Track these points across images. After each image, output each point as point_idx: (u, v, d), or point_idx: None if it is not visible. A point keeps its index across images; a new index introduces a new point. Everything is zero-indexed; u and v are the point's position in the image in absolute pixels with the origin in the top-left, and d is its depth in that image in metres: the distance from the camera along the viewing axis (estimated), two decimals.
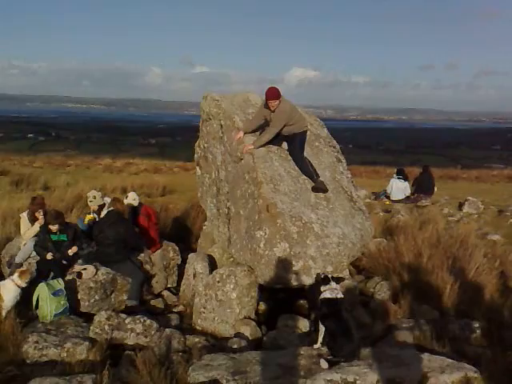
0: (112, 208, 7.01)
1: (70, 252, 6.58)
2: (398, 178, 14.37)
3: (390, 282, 6.96)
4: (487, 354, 4.92)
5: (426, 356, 4.47)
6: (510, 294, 6.78)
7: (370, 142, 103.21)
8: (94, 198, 7.74)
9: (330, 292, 4.92)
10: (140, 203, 7.76)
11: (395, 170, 15.11)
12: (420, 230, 8.80)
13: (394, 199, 14.20)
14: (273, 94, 6.06)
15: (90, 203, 7.81)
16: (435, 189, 14.88)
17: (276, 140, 6.46)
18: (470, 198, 13.24)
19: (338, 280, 5.17)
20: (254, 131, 6.51)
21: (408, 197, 14.31)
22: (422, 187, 14.54)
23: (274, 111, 6.14)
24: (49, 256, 6.49)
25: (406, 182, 14.48)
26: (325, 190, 6.35)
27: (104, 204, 7.75)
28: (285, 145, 6.63)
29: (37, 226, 6.97)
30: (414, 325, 5.56)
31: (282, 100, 6.13)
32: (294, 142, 6.41)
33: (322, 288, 5.04)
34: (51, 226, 6.64)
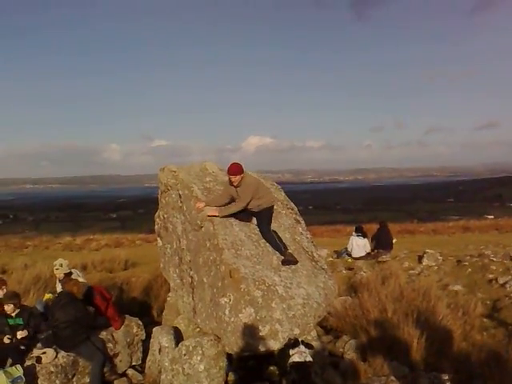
0: (62, 289, 6.83)
1: (19, 335, 6.25)
2: (358, 236, 14.63)
3: (358, 340, 6.95)
4: None
5: None
6: (475, 343, 6.89)
7: (329, 203, 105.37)
8: (61, 265, 7.50)
9: (298, 356, 4.88)
10: (91, 286, 7.53)
11: (354, 228, 15.39)
12: (383, 285, 8.92)
13: (355, 256, 14.37)
14: (234, 169, 6.24)
15: (55, 271, 7.57)
16: (393, 243, 15.19)
17: (245, 216, 6.58)
18: (428, 250, 13.55)
19: (308, 346, 5.14)
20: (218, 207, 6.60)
21: (368, 253, 14.51)
22: (381, 243, 14.81)
23: (238, 186, 6.28)
24: (6, 340, 6.17)
25: (366, 239, 14.74)
26: (295, 262, 6.34)
27: (70, 273, 7.52)
28: (254, 220, 6.71)
29: None
30: (386, 382, 5.52)
31: (245, 175, 6.32)
32: (262, 217, 6.51)
33: (291, 352, 4.99)
34: (6, 307, 6.38)
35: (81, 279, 7.46)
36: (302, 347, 5.03)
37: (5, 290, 6.94)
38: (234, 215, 6.53)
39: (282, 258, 6.32)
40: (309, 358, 4.96)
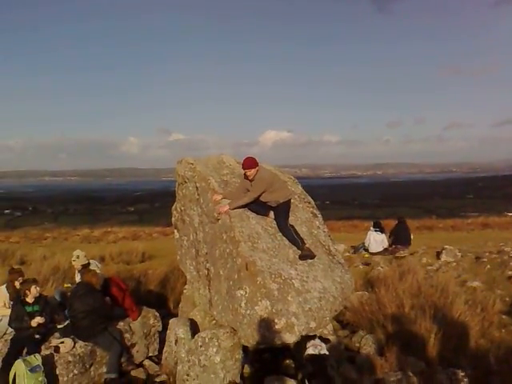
0: (81, 280, 6.92)
1: (34, 323, 6.35)
2: (375, 231, 14.55)
3: (375, 335, 6.91)
4: None
5: None
6: (493, 340, 6.80)
7: (346, 198, 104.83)
8: (78, 257, 7.60)
9: (313, 348, 4.86)
10: (108, 278, 7.61)
11: (372, 223, 15.29)
12: (400, 281, 8.84)
13: (372, 252, 14.30)
14: (248, 163, 6.29)
15: (73, 262, 7.67)
16: (412, 239, 15.07)
17: (263, 210, 6.58)
18: (447, 246, 13.40)
19: (325, 341, 5.11)
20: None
21: (386, 249, 14.43)
22: (399, 238, 14.71)
23: (252, 180, 6.31)
24: (33, 323, 6.30)
25: (383, 235, 14.64)
26: (312, 257, 6.31)
27: (88, 264, 7.61)
28: (271, 214, 6.70)
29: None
30: (402, 377, 5.47)
31: (260, 168, 6.34)
32: (279, 211, 6.49)
33: (307, 344, 4.98)
34: (31, 291, 6.49)
35: (98, 270, 7.54)
36: (317, 340, 5.01)
37: (21, 281, 7.05)
38: (253, 209, 6.53)
39: (300, 252, 6.30)
40: (324, 351, 4.93)
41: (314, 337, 5.17)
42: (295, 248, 6.35)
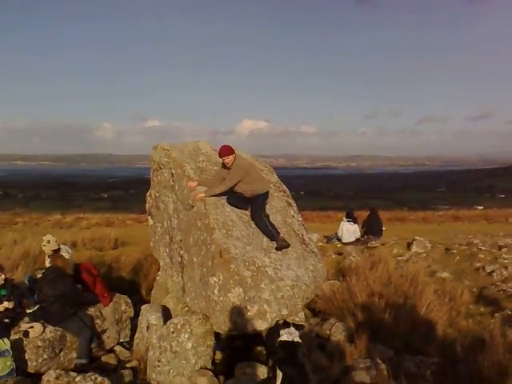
0: (50, 264, 6.82)
1: (1, 307, 6.22)
2: (348, 221, 14.72)
3: (345, 323, 7.02)
4: None
5: None
6: (461, 329, 6.99)
7: (321, 189, 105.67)
8: (48, 242, 7.45)
9: (287, 335, 4.91)
10: (78, 263, 7.51)
11: (345, 213, 15.46)
12: (371, 271, 8.99)
13: (345, 242, 14.48)
14: (225, 150, 6.24)
15: (43, 247, 7.53)
16: (383, 230, 15.31)
17: (242, 203, 6.52)
18: (417, 237, 13.65)
19: (299, 328, 5.18)
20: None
21: (358, 239, 14.63)
22: (371, 229, 14.93)
23: (230, 168, 6.26)
24: (2, 307, 6.19)
25: (356, 225, 14.83)
26: (287, 246, 6.35)
27: (59, 249, 7.49)
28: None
29: None
30: (371, 365, 5.59)
31: (237, 156, 6.31)
32: (255, 203, 6.46)
33: (281, 332, 5.03)
34: None
35: (69, 256, 7.42)
36: (292, 328, 5.07)
37: None
38: (229, 202, 6.49)
39: (275, 243, 6.30)
40: (297, 339, 4.99)
41: (288, 324, 5.23)
42: None
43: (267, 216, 6.56)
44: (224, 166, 6.36)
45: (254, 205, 6.47)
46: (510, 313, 7.70)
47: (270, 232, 6.34)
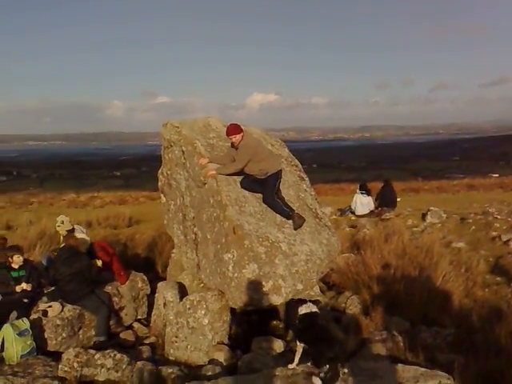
0: (64, 244, 6.89)
1: (18, 288, 6.35)
2: (362, 193, 14.61)
3: (361, 295, 7.02)
4: (459, 360, 4.98)
5: (399, 367, 4.51)
6: (477, 300, 6.95)
7: (333, 161, 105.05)
8: (62, 222, 7.54)
9: (305, 309, 4.96)
10: (92, 242, 7.56)
11: (358, 186, 15.34)
12: (386, 243, 8.94)
13: (358, 214, 14.41)
14: (232, 129, 6.10)
15: (58, 228, 7.62)
16: (398, 201, 15.20)
17: (256, 186, 6.35)
18: (432, 208, 13.54)
19: (315, 302, 5.21)
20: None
21: (372, 211, 14.54)
22: (385, 201, 14.82)
23: (237, 148, 6.12)
24: (18, 288, 6.31)
25: (369, 197, 14.72)
26: (304, 222, 6.28)
27: (73, 229, 7.56)
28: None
29: None
30: (387, 337, 5.59)
31: (245, 135, 6.15)
32: (267, 183, 6.26)
33: (299, 309, 5.09)
34: (15, 259, 6.45)
35: (84, 235, 7.49)
36: (309, 303, 5.11)
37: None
38: (244, 187, 6.37)
39: (293, 223, 6.21)
40: (315, 310, 5.05)
41: (304, 301, 5.26)
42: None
43: (280, 196, 6.41)
44: (233, 145, 6.24)
45: (265, 187, 6.28)
46: None
47: (285, 212, 6.26)
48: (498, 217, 12.23)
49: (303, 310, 4.99)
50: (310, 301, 5.07)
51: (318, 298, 6.01)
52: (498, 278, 8.11)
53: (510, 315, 5.84)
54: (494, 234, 10.83)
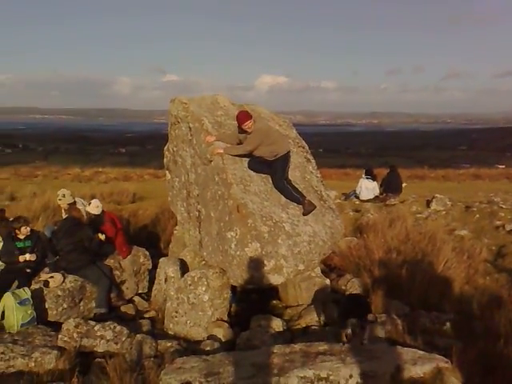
0: (67, 215, 6.92)
1: (21, 258, 6.41)
2: (367, 178, 14.55)
3: (361, 278, 7.02)
4: (458, 344, 4.99)
5: (398, 349, 4.51)
6: (478, 287, 6.95)
7: (340, 146, 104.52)
8: (64, 196, 7.55)
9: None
10: (103, 211, 7.57)
11: (364, 171, 15.27)
12: (389, 228, 8.91)
13: (363, 199, 14.35)
14: (244, 117, 6.01)
15: (59, 201, 7.64)
16: (403, 187, 15.13)
17: (264, 167, 6.31)
18: (437, 195, 13.47)
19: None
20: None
21: (377, 196, 14.48)
22: (390, 186, 14.74)
23: (250, 133, 6.05)
24: (21, 258, 6.38)
25: (375, 182, 14.66)
26: (315, 207, 6.26)
27: (74, 202, 7.57)
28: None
29: None
30: (386, 319, 5.60)
31: (255, 119, 6.10)
32: (276, 167, 6.23)
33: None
34: (23, 230, 6.50)
35: (86, 207, 7.49)
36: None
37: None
38: (252, 168, 6.33)
39: (303, 209, 6.20)
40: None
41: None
42: None
43: (289, 182, 6.38)
44: (242, 130, 6.13)
45: (275, 170, 6.25)
46: None
47: (296, 197, 6.24)
48: (503, 206, 12.16)
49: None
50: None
51: (315, 280, 6.16)
52: (500, 267, 8.10)
53: (510, 303, 5.84)
54: (498, 223, 10.78)
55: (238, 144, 6.29)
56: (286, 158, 6.26)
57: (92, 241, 6.73)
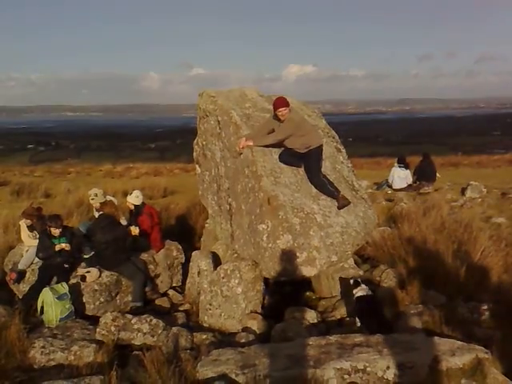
0: (102, 212, 7.02)
1: (58, 247, 6.54)
2: (400, 167, 14.30)
3: (396, 269, 6.90)
4: (497, 335, 4.88)
5: (435, 339, 4.44)
6: None
7: (370, 135, 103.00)
8: (96, 195, 7.69)
9: (361, 291, 5.43)
10: (143, 203, 7.64)
11: (396, 159, 15.01)
12: (424, 217, 8.75)
13: (396, 188, 14.13)
14: (281, 102, 5.93)
15: (91, 201, 7.79)
16: (437, 175, 14.81)
17: (295, 160, 6.27)
18: (472, 182, 13.16)
19: (366, 283, 5.68)
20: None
21: (410, 185, 14.24)
22: (424, 175, 14.45)
23: (283, 121, 5.99)
24: (59, 247, 6.54)
25: (408, 171, 14.40)
26: (349, 203, 6.17)
27: (106, 201, 7.70)
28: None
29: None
30: (423, 310, 5.53)
31: (291, 108, 6.04)
32: (310, 160, 6.17)
33: (354, 291, 5.52)
34: (54, 230, 6.62)
35: (138, 199, 7.57)
36: (363, 285, 5.53)
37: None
38: (283, 160, 6.29)
39: (337, 203, 6.13)
40: (369, 292, 5.50)
41: (358, 283, 5.61)
42: None
43: (325, 176, 6.29)
44: (276, 117, 6.08)
45: (309, 164, 6.20)
46: None
47: (330, 191, 6.16)
48: None
49: (359, 292, 5.43)
50: (363, 281, 5.28)
51: (349, 271, 6.31)
52: None
53: None
54: None
55: (270, 133, 6.25)
56: (318, 151, 6.19)
57: (126, 239, 6.83)
